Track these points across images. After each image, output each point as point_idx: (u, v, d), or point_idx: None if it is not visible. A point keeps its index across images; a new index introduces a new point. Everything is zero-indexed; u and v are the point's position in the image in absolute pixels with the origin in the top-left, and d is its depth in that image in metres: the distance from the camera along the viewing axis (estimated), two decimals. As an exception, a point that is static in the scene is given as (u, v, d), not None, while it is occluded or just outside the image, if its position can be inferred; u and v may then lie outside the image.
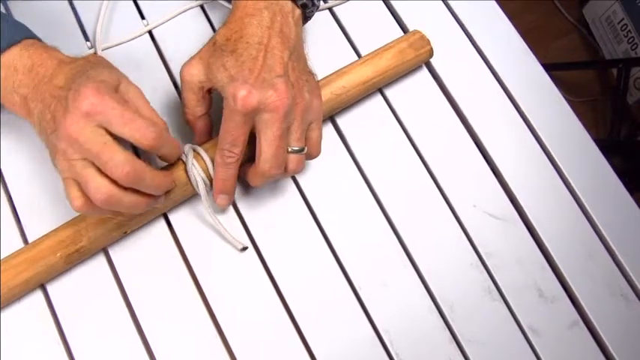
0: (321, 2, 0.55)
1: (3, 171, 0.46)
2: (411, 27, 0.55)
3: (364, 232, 0.48)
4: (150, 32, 0.52)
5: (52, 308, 0.43)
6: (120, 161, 0.35)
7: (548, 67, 0.57)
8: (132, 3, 0.53)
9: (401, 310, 0.46)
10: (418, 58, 0.52)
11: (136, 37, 0.52)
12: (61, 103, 0.36)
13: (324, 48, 0.53)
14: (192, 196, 0.45)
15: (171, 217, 0.46)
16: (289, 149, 0.42)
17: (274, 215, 0.47)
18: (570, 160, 0.53)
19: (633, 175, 1.00)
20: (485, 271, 0.48)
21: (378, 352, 0.45)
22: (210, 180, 0.43)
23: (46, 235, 0.42)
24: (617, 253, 0.51)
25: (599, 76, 1.53)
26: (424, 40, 0.51)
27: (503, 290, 0.48)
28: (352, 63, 0.50)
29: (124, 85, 0.39)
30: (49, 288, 0.43)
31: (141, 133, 0.36)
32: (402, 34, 0.55)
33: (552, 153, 0.53)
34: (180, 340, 0.43)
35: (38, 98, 0.38)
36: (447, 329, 0.46)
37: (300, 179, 0.49)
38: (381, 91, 0.53)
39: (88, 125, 0.35)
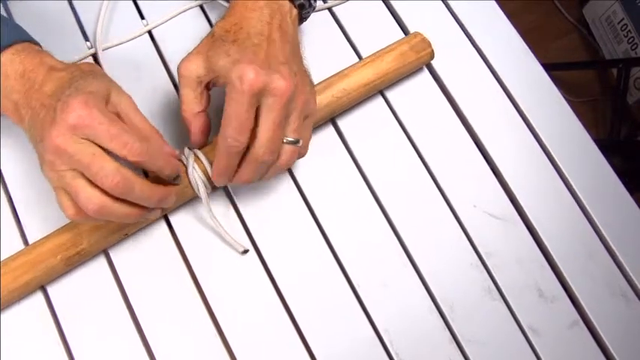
0: (321, 2, 0.55)
1: (3, 171, 0.46)
2: (410, 27, 0.55)
3: (364, 233, 0.48)
4: (150, 32, 0.52)
5: (53, 309, 0.43)
6: (110, 171, 0.35)
7: (548, 67, 0.57)
8: (131, 3, 0.53)
9: (401, 310, 0.46)
10: (419, 60, 0.52)
11: (135, 37, 0.52)
12: (49, 114, 0.36)
13: (323, 48, 0.53)
14: (192, 197, 0.45)
15: (172, 218, 0.46)
16: (285, 140, 0.41)
17: (275, 216, 0.47)
18: (570, 160, 0.53)
19: (633, 175, 1.00)
20: (485, 271, 0.48)
21: (378, 352, 0.45)
22: (211, 183, 0.43)
23: (47, 238, 0.42)
24: (617, 253, 0.51)
25: (599, 76, 1.53)
26: (425, 43, 0.51)
27: (503, 290, 0.48)
28: (353, 65, 0.50)
29: (115, 95, 0.39)
30: (49, 289, 0.43)
31: (128, 148, 0.35)
32: (402, 34, 0.55)
33: (552, 153, 0.53)
34: (180, 340, 0.43)
35: (29, 105, 0.38)
36: (446, 329, 0.46)
37: (301, 180, 0.49)
38: (381, 91, 0.52)
39: (75, 137, 0.35)
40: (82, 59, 0.50)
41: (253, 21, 0.42)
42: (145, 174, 0.44)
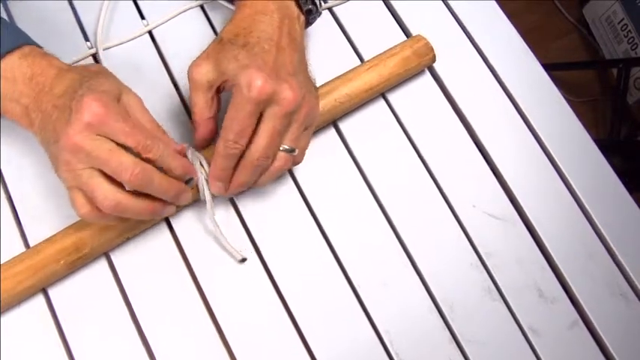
0: (321, 2, 0.55)
1: (3, 172, 0.46)
2: (411, 27, 0.55)
3: (365, 233, 0.48)
4: (150, 32, 0.52)
5: (53, 311, 0.43)
6: (129, 164, 0.35)
7: (548, 67, 0.57)
8: (132, 3, 0.53)
9: (401, 310, 0.46)
10: (421, 65, 0.52)
11: (135, 38, 0.52)
12: (64, 114, 0.36)
13: (323, 47, 0.53)
14: (194, 200, 0.45)
15: (173, 220, 0.46)
16: (281, 147, 0.41)
17: (276, 217, 0.47)
18: (570, 160, 0.53)
19: (633, 175, 1.00)
20: (485, 271, 0.48)
21: (378, 352, 0.45)
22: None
23: (49, 241, 0.42)
24: (616, 253, 0.51)
25: (599, 76, 1.53)
26: (428, 48, 0.51)
27: (503, 290, 0.48)
28: (355, 69, 0.50)
29: (125, 95, 0.39)
30: (50, 291, 0.43)
31: (142, 145, 0.36)
32: (402, 34, 0.55)
33: (552, 153, 0.53)
34: (181, 341, 0.43)
35: (39, 108, 0.38)
36: (446, 329, 0.46)
37: (302, 181, 0.49)
38: (382, 93, 0.52)
39: (91, 134, 0.35)
40: (82, 59, 0.50)
41: (263, 25, 0.42)
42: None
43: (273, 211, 0.47)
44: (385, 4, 0.56)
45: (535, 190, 0.52)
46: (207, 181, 0.43)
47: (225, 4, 0.53)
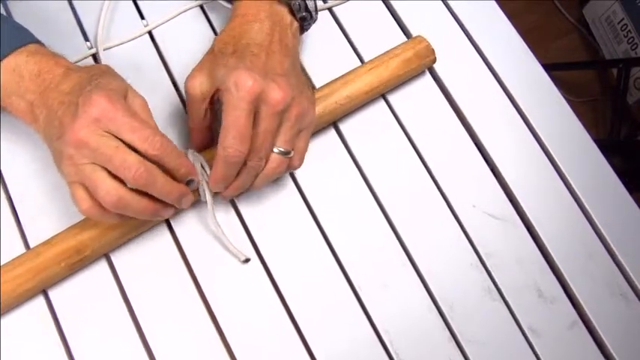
0: (321, 2, 0.55)
1: (3, 172, 0.46)
2: (410, 27, 0.55)
3: (365, 234, 0.48)
4: (150, 32, 0.52)
5: (53, 312, 0.43)
6: (133, 162, 0.35)
7: (548, 67, 0.57)
8: (132, 3, 0.53)
9: (401, 310, 0.46)
10: (422, 66, 0.52)
11: (135, 38, 0.52)
12: (70, 109, 0.36)
13: (323, 48, 0.53)
14: (194, 201, 0.45)
15: (174, 221, 0.46)
16: (275, 150, 0.41)
17: (276, 218, 0.47)
18: (570, 160, 0.53)
19: (633, 175, 1.00)
20: (485, 271, 0.48)
21: (377, 352, 0.45)
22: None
23: (50, 244, 0.42)
24: (616, 253, 0.51)
25: (599, 76, 1.53)
26: (429, 49, 0.51)
27: (503, 290, 0.48)
28: (356, 70, 0.50)
29: (130, 95, 0.40)
30: (50, 292, 0.43)
31: (149, 142, 0.36)
32: (402, 34, 0.55)
33: (552, 153, 0.53)
34: (182, 342, 0.43)
35: (45, 104, 0.38)
36: (446, 329, 0.46)
37: (302, 182, 0.49)
38: (382, 94, 0.52)
39: (98, 130, 0.35)
40: (82, 59, 0.50)
41: (253, 32, 0.42)
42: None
43: (273, 212, 0.47)
44: (385, 4, 0.56)
45: (535, 190, 0.52)
46: (207, 182, 0.43)
47: (225, 4, 0.53)
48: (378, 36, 0.53)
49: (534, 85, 0.55)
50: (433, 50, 0.52)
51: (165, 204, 0.40)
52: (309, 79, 0.52)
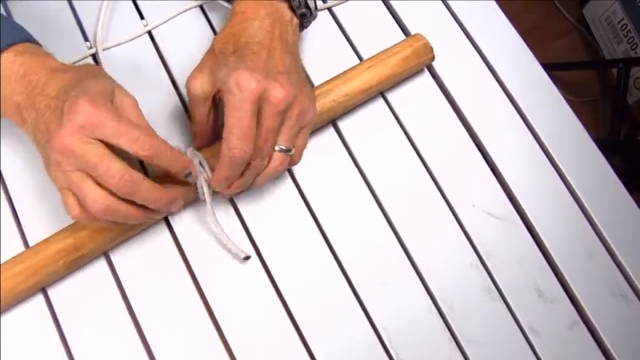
0: (321, 2, 0.55)
1: (3, 172, 0.46)
2: (410, 27, 0.55)
3: (364, 233, 0.48)
4: (149, 32, 0.52)
5: (53, 311, 0.43)
6: (117, 171, 0.35)
7: (548, 67, 0.57)
8: (131, 3, 0.53)
9: (401, 309, 0.46)
10: (421, 64, 0.52)
11: (135, 38, 0.52)
12: (55, 114, 0.36)
13: (323, 48, 0.53)
14: (193, 200, 0.45)
15: (173, 220, 0.46)
16: (277, 148, 0.41)
17: (275, 216, 0.47)
18: (570, 160, 0.53)
19: (633, 175, 1.00)
20: (484, 271, 0.48)
21: (377, 352, 0.45)
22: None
23: (48, 241, 0.42)
24: (616, 253, 0.51)
25: (599, 76, 1.53)
26: (427, 47, 0.51)
27: (503, 290, 0.48)
28: (355, 68, 0.50)
29: (119, 95, 0.39)
30: (50, 291, 0.43)
31: (139, 143, 0.35)
32: (402, 34, 0.55)
33: (552, 153, 0.53)
34: (180, 338, 0.43)
35: (32, 107, 0.37)
36: (446, 329, 0.46)
37: (301, 180, 0.49)
38: (381, 92, 0.52)
39: (83, 137, 0.35)
40: (82, 59, 0.50)
41: (253, 30, 0.42)
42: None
43: (272, 210, 0.47)
44: (384, 3, 0.56)
45: (535, 190, 0.52)
46: (206, 180, 0.43)
47: (225, 4, 0.53)
48: (377, 35, 0.53)
49: (534, 85, 0.55)
50: (432, 48, 0.52)
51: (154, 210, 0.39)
52: (308, 77, 0.52)
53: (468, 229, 0.49)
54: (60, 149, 0.35)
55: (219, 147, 0.40)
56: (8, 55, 0.39)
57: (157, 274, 0.44)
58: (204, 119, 0.44)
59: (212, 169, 0.42)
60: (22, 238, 0.44)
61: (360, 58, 0.53)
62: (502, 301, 0.48)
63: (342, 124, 0.51)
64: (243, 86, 0.38)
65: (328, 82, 0.49)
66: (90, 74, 0.39)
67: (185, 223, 0.46)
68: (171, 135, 0.48)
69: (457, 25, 0.57)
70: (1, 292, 0.40)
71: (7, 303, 0.41)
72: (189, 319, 0.44)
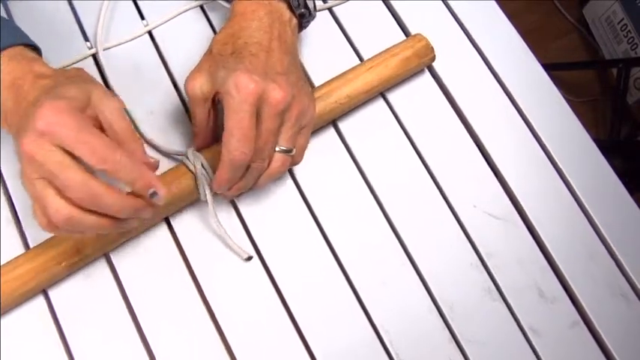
0: (321, 2, 0.55)
1: (3, 172, 0.46)
2: (410, 27, 0.55)
3: (365, 233, 0.48)
4: (150, 32, 0.52)
5: (53, 311, 0.43)
6: (76, 182, 0.33)
7: (548, 67, 0.57)
8: (132, 3, 0.53)
9: (401, 309, 0.46)
10: (422, 64, 0.52)
11: (135, 38, 0.52)
12: (23, 121, 0.35)
13: (323, 48, 0.53)
14: (193, 200, 0.45)
15: (173, 221, 0.46)
16: (277, 148, 0.41)
17: (275, 216, 0.47)
18: (570, 160, 0.53)
19: (633, 175, 1.00)
20: (485, 272, 0.48)
21: (377, 352, 0.45)
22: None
23: (50, 244, 0.41)
24: (617, 253, 0.51)
25: (599, 76, 1.53)
26: (428, 48, 0.51)
27: (504, 290, 0.48)
28: (355, 69, 0.50)
29: (98, 100, 0.36)
30: (50, 292, 0.43)
31: (96, 156, 0.33)
32: (402, 34, 0.55)
33: (552, 153, 0.53)
34: (181, 339, 0.43)
35: (17, 113, 0.37)
36: (446, 329, 0.46)
37: (302, 181, 0.49)
38: (381, 93, 0.52)
39: (45, 144, 0.33)
40: (82, 59, 0.50)
41: (251, 30, 0.42)
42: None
43: (272, 210, 0.47)
44: (385, 3, 0.56)
45: (535, 190, 0.52)
46: (207, 182, 0.43)
47: (225, 4, 0.53)
48: (378, 36, 0.53)
49: (534, 85, 0.55)
50: (432, 48, 0.52)
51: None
52: (308, 78, 0.52)
53: (468, 229, 0.49)
54: (24, 156, 0.33)
55: (220, 147, 0.40)
56: (2, 60, 0.38)
57: (157, 275, 0.44)
58: (204, 120, 0.44)
59: (213, 170, 0.42)
60: (22, 239, 0.44)
61: (361, 59, 0.53)
62: (502, 301, 0.48)
63: (342, 125, 0.51)
64: (241, 88, 0.38)
65: (329, 83, 0.49)
66: (70, 79, 0.37)
67: (186, 223, 0.46)
68: (172, 135, 0.48)
69: (457, 26, 0.56)
70: (0, 295, 0.40)
71: (8, 305, 0.41)
72: (189, 319, 0.44)
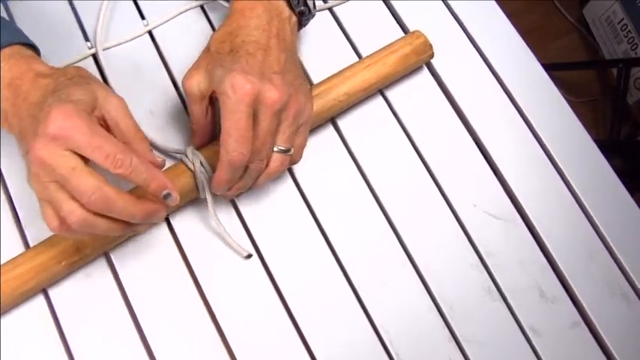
0: (321, 2, 0.55)
1: (4, 172, 0.46)
2: (410, 27, 0.55)
3: (364, 232, 0.48)
4: (150, 32, 0.52)
5: (53, 311, 0.43)
6: (88, 187, 0.33)
7: (548, 67, 0.57)
8: (132, 3, 0.53)
9: (401, 309, 0.46)
10: (420, 61, 0.52)
11: (135, 38, 0.52)
12: (33, 125, 0.35)
13: (323, 48, 0.53)
14: (193, 199, 0.45)
15: (173, 220, 0.46)
16: (275, 148, 0.41)
17: (275, 215, 0.47)
18: (570, 160, 0.53)
19: (633, 175, 1.00)
20: (485, 271, 0.48)
21: (377, 352, 0.45)
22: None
23: (49, 243, 0.41)
24: (617, 253, 0.50)
25: (599, 76, 1.53)
26: (427, 45, 0.51)
27: (504, 290, 0.48)
28: (354, 66, 0.50)
29: (102, 99, 0.37)
30: (50, 291, 0.43)
31: (110, 160, 0.34)
32: (402, 34, 0.55)
33: (552, 153, 0.53)
34: (181, 339, 0.43)
35: (17, 115, 0.37)
36: (446, 329, 0.46)
37: (301, 179, 0.49)
38: (380, 91, 0.52)
39: (57, 149, 0.33)
40: (82, 59, 0.50)
41: (249, 29, 0.42)
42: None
43: (272, 209, 0.47)
44: (385, 3, 0.56)
45: (535, 190, 0.52)
46: (206, 180, 0.43)
47: (225, 4, 0.53)
48: (378, 36, 0.53)
49: (534, 85, 0.55)
50: (431, 45, 0.52)
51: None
52: (309, 78, 0.52)
53: (468, 228, 0.49)
54: (35, 160, 0.34)
55: (218, 145, 0.40)
56: None
57: (157, 274, 0.44)
58: (202, 118, 0.44)
59: (212, 168, 0.42)
60: (22, 238, 0.44)
61: (360, 57, 0.53)
62: (503, 301, 0.48)
63: (341, 123, 0.51)
64: (237, 89, 0.38)
65: (327, 80, 0.49)
66: (72, 80, 0.37)
67: (185, 222, 0.46)
68: (171, 135, 0.48)
69: (457, 25, 0.56)
70: (0, 294, 0.40)
71: (8, 304, 0.41)
72: (189, 318, 0.44)
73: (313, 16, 0.47)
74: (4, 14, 0.50)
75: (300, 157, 0.45)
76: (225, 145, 0.39)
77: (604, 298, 0.49)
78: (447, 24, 0.57)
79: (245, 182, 0.42)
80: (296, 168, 0.49)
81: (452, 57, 0.54)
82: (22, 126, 0.36)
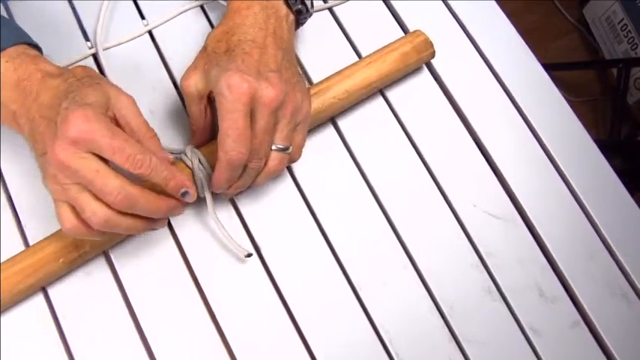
0: (321, 2, 0.55)
1: (4, 172, 0.46)
2: (410, 27, 0.55)
3: (364, 232, 0.48)
4: (150, 32, 0.52)
5: (53, 310, 0.43)
6: (113, 188, 0.34)
7: (548, 67, 0.57)
8: (132, 3, 0.53)
9: (401, 309, 0.46)
10: (421, 60, 0.52)
11: (135, 37, 0.52)
12: (50, 127, 0.35)
13: (323, 48, 0.53)
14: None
15: (173, 219, 0.46)
16: (274, 147, 0.41)
17: (275, 215, 0.47)
18: (570, 160, 0.53)
19: (633, 175, 1.00)
20: (485, 271, 0.48)
21: (377, 352, 0.45)
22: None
23: (48, 240, 0.41)
24: (617, 253, 0.51)
25: (599, 76, 1.53)
26: (427, 43, 0.51)
27: (504, 290, 0.48)
28: (354, 65, 0.50)
29: (114, 98, 0.38)
30: (50, 290, 0.43)
31: (130, 161, 0.35)
32: (402, 34, 0.55)
33: (552, 153, 0.53)
34: (181, 338, 0.43)
35: (27, 116, 0.37)
36: (446, 329, 0.46)
37: (301, 179, 0.49)
38: (380, 90, 0.52)
39: (78, 152, 0.34)
40: (82, 59, 0.50)
41: (245, 27, 0.42)
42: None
43: (272, 209, 0.47)
44: (385, 3, 0.56)
45: (535, 190, 0.52)
46: (205, 179, 0.43)
47: (225, 3, 0.53)
48: (378, 36, 0.53)
49: (534, 85, 0.55)
50: (431, 44, 0.51)
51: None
52: (309, 78, 0.52)
53: (468, 228, 0.49)
54: (55, 163, 0.34)
55: (217, 144, 0.40)
56: (2, 60, 0.38)
57: (156, 273, 0.44)
58: (200, 117, 0.44)
59: (211, 166, 0.42)
60: (22, 237, 0.44)
61: (360, 57, 0.53)
62: (503, 301, 0.48)
63: (341, 123, 0.51)
64: (234, 88, 0.38)
65: (327, 79, 0.49)
66: (82, 81, 0.38)
67: (186, 222, 0.46)
68: (171, 135, 0.48)
69: (457, 25, 0.57)
70: (0, 291, 0.40)
71: (8, 302, 0.41)
72: (189, 317, 0.44)
73: (311, 14, 0.47)
74: (4, 14, 0.50)
75: (299, 156, 0.45)
76: (224, 144, 0.39)
77: (604, 298, 0.49)
78: (447, 24, 0.57)
79: (244, 181, 0.42)
80: (296, 168, 0.49)
81: (452, 57, 0.54)
82: (34, 127, 0.37)
